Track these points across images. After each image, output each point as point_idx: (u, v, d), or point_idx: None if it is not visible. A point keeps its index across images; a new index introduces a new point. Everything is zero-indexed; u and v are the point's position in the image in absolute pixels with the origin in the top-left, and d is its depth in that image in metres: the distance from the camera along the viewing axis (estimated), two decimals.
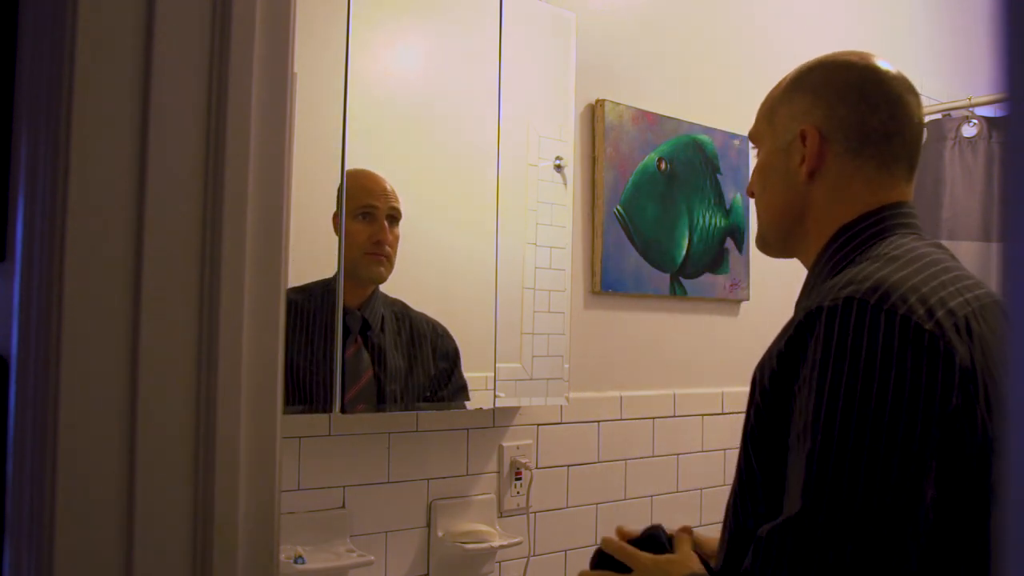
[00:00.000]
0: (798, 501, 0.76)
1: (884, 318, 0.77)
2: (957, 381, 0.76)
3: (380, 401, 1.56)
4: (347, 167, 1.52)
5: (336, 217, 1.50)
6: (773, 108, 1.00)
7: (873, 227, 0.92)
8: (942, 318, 0.78)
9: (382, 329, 1.58)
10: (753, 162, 1.13)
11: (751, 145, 1.10)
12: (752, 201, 1.08)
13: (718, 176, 2.19)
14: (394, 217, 1.58)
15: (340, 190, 1.49)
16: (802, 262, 1.02)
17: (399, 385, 1.59)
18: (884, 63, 0.96)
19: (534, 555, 1.81)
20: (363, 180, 1.56)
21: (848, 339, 0.77)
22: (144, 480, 0.62)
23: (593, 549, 1.95)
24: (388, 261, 1.58)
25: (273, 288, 0.69)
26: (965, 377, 0.77)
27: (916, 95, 0.96)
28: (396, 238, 1.58)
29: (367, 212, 1.55)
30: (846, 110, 0.93)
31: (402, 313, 1.61)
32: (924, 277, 0.82)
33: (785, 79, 1.01)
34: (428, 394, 1.63)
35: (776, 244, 1.03)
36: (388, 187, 1.59)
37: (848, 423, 0.75)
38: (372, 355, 1.56)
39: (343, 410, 1.49)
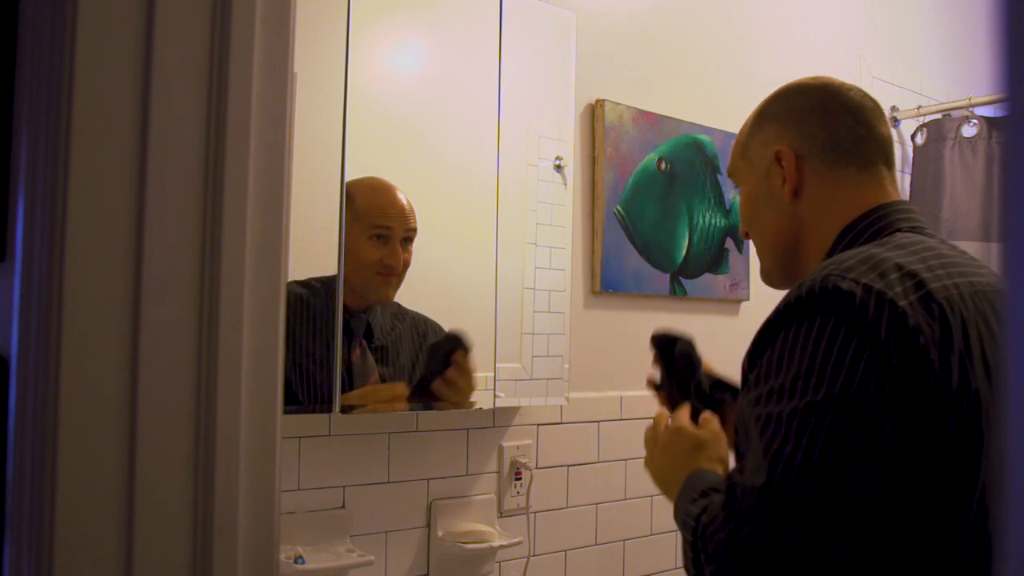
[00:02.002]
0: (763, 471, 0.76)
1: (825, 304, 0.79)
2: (921, 358, 0.77)
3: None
4: (359, 174, 1.51)
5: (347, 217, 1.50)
6: (745, 143, 1.05)
7: (877, 223, 0.93)
8: (904, 300, 0.78)
9: (385, 332, 1.58)
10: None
11: (732, 185, 1.14)
12: None
13: (718, 176, 2.19)
14: (409, 238, 1.56)
15: (341, 190, 1.49)
16: None
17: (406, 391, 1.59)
18: (839, 81, 1.01)
19: (534, 555, 1.81)
20: (381, 197, 1.54)
21: (793, 340, 0.80)
22: (144, 480, 0.62)
23: (593, 550, 1.96)
24: (397, 283, 1.56)
25: (273, 288, 0.69)
26: (927, 355, 0.77)
27: (874, 103, 1.00)
28: (408, 258, 1.56)
29: (382, 234, 1.52)
30: (813, 127, 0.98)
31: (400, 313, 1.61)
32: (908, 260, 0.83)
33: (751, 115, 1.06)
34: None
35: (778, 271, 1.04)
36: (406, 205, 1.56)
37: (793, 415, 0.77)
38: (378, 357, 1.55)
39: (351, 411, 1.49)
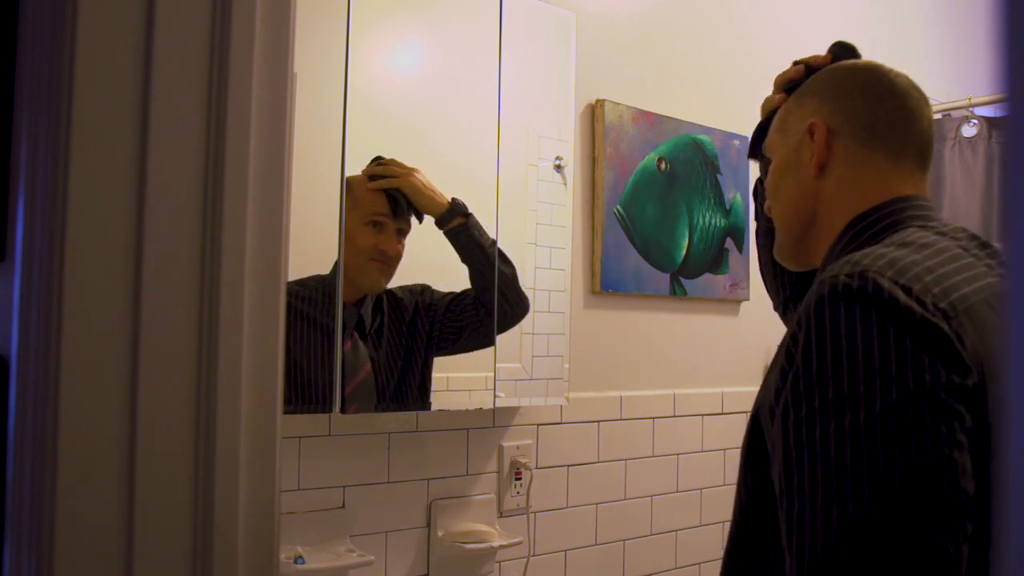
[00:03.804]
0: (852, 492, 0.70)
1: (873, 299, 0.73)
2: (967, 362, 0.73)
3: (380, 393, 1.57)
4: (354, 169, 1.52)
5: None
6: (784, 116, 1.01)
7: (889, 217, 0.90)
8: (941, 303, 0.75)
9: (378, 324, 1.58)
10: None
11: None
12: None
13: (718, 176, 2.19)
14: (403, 230, 1.58)
15: (341, 190, 1.49)
16: (816, 266, 0.99)
17: (395, 379, 1.59)
18: (889, 67, 0.97)
19: (534, 555, 1.81)
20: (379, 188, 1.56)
21: (833, 338, 0.73)
22: (144, 480, 0.62)
23: (593, 550, 1.96)
24: (389, 271, 1.58)
25: (273, 288, 0.69)
26: (965, 362, 0.73)
27: (921, 94, 0.96)
28: (402, 249, 1.58)
29: (378, 221, 1.55)
30: (852, 104, 0.94)
31: (390, 295, 1.60)
32: (933, 263, 0.79)
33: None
34: (453, 331, 1.64)
35: (791, 247, 1.01)
36: (403, 199, 1.59)
37: (843, 462, 0.70)
38: (369, 347, 1.56)
39: (343, 405, 1.49)
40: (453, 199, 1.60)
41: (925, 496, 0.68)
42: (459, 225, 1.60)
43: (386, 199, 1.56)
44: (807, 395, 0.73)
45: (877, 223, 0.90)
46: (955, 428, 0.70)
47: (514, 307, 1.68)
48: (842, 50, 1.02)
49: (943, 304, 0.74)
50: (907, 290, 0.74)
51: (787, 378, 0.77)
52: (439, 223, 1.60)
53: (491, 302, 1.65)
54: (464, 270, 1.65)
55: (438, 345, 1.64)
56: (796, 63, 1.03)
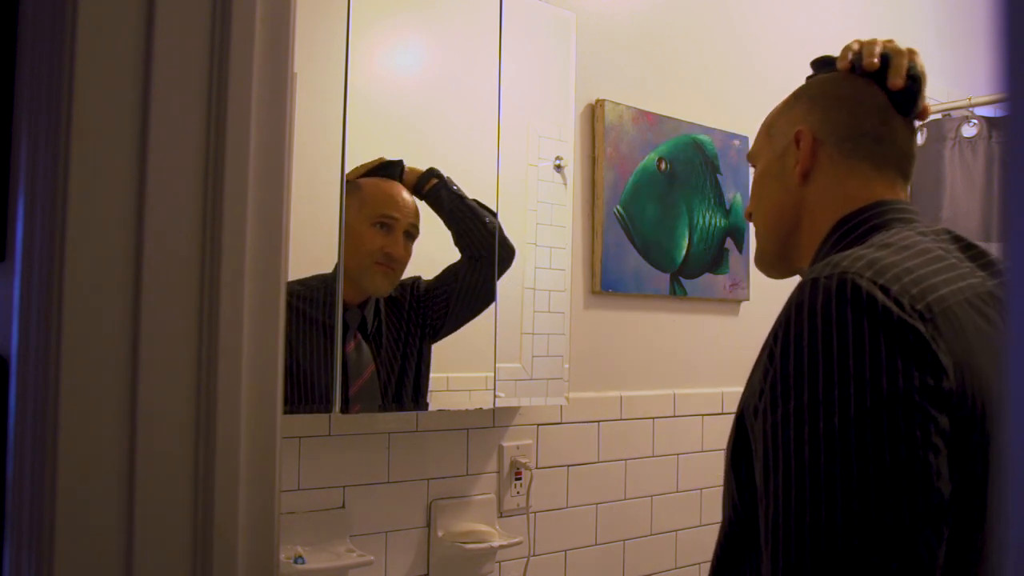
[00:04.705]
0: (825, 501, 0.70)
1: (851, 300, 0.73)
2: (943, 364, 0.73)
3: (383, 393, 1.56)
4: (357, 168, 1.52)
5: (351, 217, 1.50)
6: (772, 122, 1.02)
7: (873, 219, 0.91)
8: (918, 305, 0.75)
9: (377, 324, 1.58)
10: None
11: (750, 166, 1.09)
12: None
13: (718, 176, 2.19)
14: (411, 234, 1.58)
15: (341, 190, 1.49)
16: (800, 270, 1.00)
17: (396, 378, 1.59)
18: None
19: (534, 555, 1.81)
20: (387, 188, 1.56)
21: (810, 340, 0.73)
22: (144, 480, 0.62)
23: (593, 550, 1.96)
24: (394, 276, 1.57)
25: (273, 288, 0.69)
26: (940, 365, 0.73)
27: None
28: (409, 254, 1.58)
29: (385, 223, 1.54)
30: (840, 114, 0.95)
31: (389, 296, 1.60)
32: (912, 264, 0.79)
33: (787, 97, 1.03)
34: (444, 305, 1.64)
35: (773, 254, 1.01)
36: (411, 201, 1.58)
37: (816, 450, 0.70)
38: (372, 348, 1.56)
39: (347, 406, 1.49)
40: (429, 167, 1.61)
41: (898, 501, 0.68)
42: (435, 184, 1.61)
43: (381, 175, 1.55)
44: (783, 398, 0.74)
45: (862, 225, 0.91)
46: (930, 432, 0.70)
47: (499, 251, 1.69)
48: (913, 83, 0.99)
49: (920, 305, 0.75)
50: (885, 290, 0.74)
51: (768, 378, 0.77)
52: (417, 189, 1.60)
53: (479, 250, 1.65)
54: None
55: (432, 330, 1.63)
56: (883, 54, 0.97)
